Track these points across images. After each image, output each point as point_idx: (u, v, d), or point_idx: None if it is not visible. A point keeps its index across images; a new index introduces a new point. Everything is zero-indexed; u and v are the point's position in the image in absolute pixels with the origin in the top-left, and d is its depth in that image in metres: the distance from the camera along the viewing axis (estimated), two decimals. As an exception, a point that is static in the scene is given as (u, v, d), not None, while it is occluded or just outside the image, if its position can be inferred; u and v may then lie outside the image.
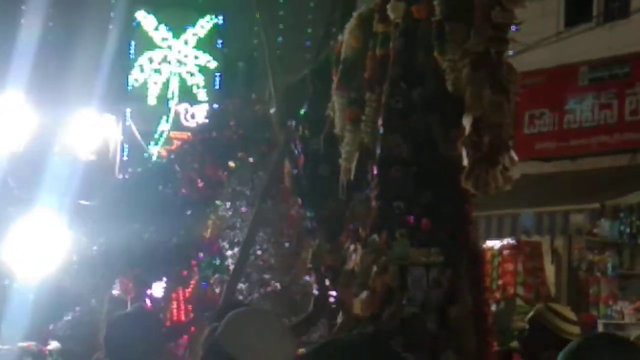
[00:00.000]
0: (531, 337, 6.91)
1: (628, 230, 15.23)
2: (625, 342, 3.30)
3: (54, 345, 10.31)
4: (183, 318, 13.39)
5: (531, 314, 7.78)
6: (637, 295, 17.55)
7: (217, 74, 23.45)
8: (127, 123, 22.46)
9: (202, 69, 22.98)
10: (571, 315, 7.01)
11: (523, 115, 16.29)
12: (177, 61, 22.84)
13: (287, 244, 11.24)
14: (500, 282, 17.45)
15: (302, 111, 8.68)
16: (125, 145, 22.02)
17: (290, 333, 4.47)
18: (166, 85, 22.81)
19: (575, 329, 6.69)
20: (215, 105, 20.30)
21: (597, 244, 17.71)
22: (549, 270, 18.07)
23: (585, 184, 16.35)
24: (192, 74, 23.12)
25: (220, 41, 23.06)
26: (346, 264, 7.63)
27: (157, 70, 22.90)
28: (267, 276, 11.81)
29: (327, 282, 8.15)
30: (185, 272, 13.10)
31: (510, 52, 6.44)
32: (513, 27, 6.37)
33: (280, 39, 18.74)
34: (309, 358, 2.24)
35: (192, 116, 21.98)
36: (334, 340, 2.23)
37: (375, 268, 6.85)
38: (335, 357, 2.13)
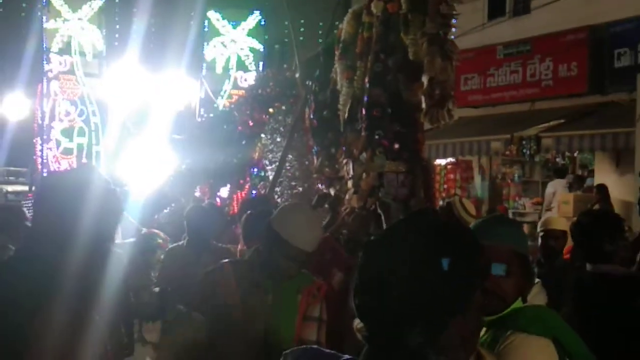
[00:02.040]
0: (440, 212, 6.95)
1: (528, 152, 15.23)
2: (507, 219, 3.32)
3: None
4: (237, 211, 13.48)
5: (449, 199, 7.83)
6: (534, 194, 17.66)
7: (261, 53, 23.34)
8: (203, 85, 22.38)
9: (251, 49, 22.82)
10: (473, 211, 7.10)
11: (460, 77, 16.22)
12: (235, 44, 22.73)
13: (306, 162, 11.23)
14: (445, 186, 17.57)
15: (316, 75, 8.66)
16: (202, 98, 21.96)
17: (320, 221, 4.50)
18: (228, 60, 22.68)
19: (472, 220, 6.70)
20: (260, 73, 20.30)
21: (510, 161, 17.79)
22: (477, 178, 18.16)
23: (501, 122, 16.34)
24: (245, 53, 23.00)
25: (263, 30, 23.00)
26: (340, 172, 7.70)
27: (222, 50, 22.80)
28: (294, 183, 11.81)
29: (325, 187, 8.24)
30: (241, 181, 13.13)
31: (453, 37, 6.39)
32: (454, 19, 6.35)
33: (302, 29, 18.60)
34: (384, 240, 1.99)
35: (245, 80, 21.83)
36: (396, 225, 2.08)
37: (363, 175, 6.88)
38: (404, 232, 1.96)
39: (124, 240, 8.20)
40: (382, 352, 1.92)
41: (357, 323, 1.98)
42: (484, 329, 2.87)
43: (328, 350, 2.13)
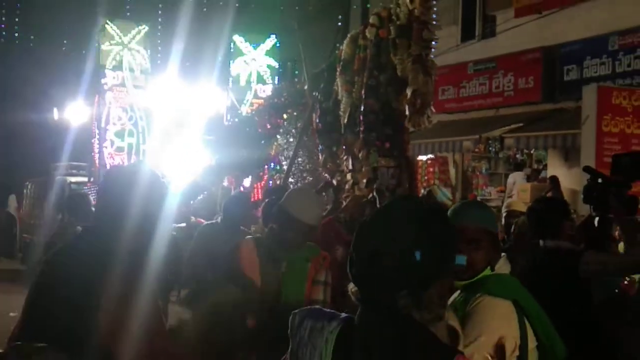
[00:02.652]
0: (424, 198, 6.94)
1: (493, 149, 15.28)
2: (480, 203, 3.36)
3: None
4: (260, 197, 13.48)
5: (429, 188, 7.84)
6: (498, 184, 17.63)
7: (276, 69, 23.24)
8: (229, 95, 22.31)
9: (269, 66, 22.74)
10: (449, 195, 7.12)
11: (438, 89, 16.19)
12: (255, 62, 22.65)
13: (315, 158, 11.24)
14: (426, 177, 17.49)
15: (321, 87, 8.64)
16: (229, 106, 21.89)
17: (320, 202, 4.58)
18: (250, 75, 22.60)
19: (449, 203, 6.70)
20: (276, 85, 20.27)
21: (479, 157, 17.75)
22: (452, 171, 18.10)
23: (471, 125, 16.31)
24: (263, 70, 22.91)
25: (278, 50, 22.88)
26: (340, 166, 7.71)
27: (245, 67, 22.70)
28: (304, 175, 11.83)
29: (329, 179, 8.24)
30: (261, 173, 13.15)
31: (432, 56, 6.39)
32: (434, 42, 6.35)
33: (309, 50, 18.56)
34: (376, 218, 2.03)
35: (264, 91, 21.74)
36: (385, 207, 2.10)
37: (362, 169, 6.90)
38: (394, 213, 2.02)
39: (176, 225, 8.21)
40: (375, 311, 1.95)
41: (352, 287, 2.00)
42: (458, 291, 2.93)
43: (328, 310, 2.14)
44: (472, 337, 2.66)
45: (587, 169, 4.91)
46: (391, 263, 1.90)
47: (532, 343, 2.79)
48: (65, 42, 30.07)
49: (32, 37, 32.56)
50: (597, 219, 4.75)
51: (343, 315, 2.06)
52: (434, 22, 6.24)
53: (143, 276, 2.63)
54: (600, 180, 4.68)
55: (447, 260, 1.98)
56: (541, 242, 4.61)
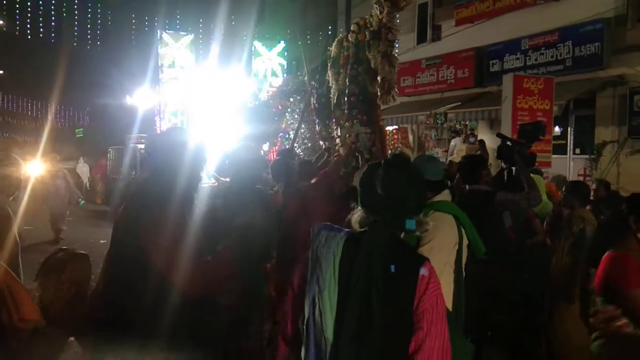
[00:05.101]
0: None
1: (440, 122, 15.22)
2: (432, 156, 3.48)
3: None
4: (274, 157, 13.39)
5: (401, 149, 7.77)
6: (443, 146, 17.55)
7: (285, 66, 22.94)
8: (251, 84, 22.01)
9: (280, 64, 22.46)
10: (409, 154, 7.10)
11: (400, 78, 16.06)
12: (270, 61, 22.36)
13: (312, 129, 11.14)
14: (392, 142, 17.43)
15: (316, 77, 8.53)
16: (251, 93, 21.67)
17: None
18: (266, 70, 22.35)
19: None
20: (285, 78, 20.02)
21: (429, 127, 17.67)
22: (411, 137, 18.06)
23: (424, 105, 16.25)
24: (276, 67, 22.58)
25: (286, 52, 22.53)
26: (332, 134, 7.65)
27: (262, 65, 22.37)
28: (305, 141, 11.74)
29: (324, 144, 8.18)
30: (275, 141, 13.08)
31: (396, 52, 6.30)
32: (396, 42, 6.25)
33: (308, 51, 18.30)
34: (367, 172, 2.09)
35: (276, 82, 21.49)
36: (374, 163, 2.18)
37: (347, 135, 6.85)
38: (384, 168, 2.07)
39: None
40: (374, 230, 2.02)
41: (356, 217, 2.07)
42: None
43: (337, 227, 2.20)
44: (428, 239, 2.89)
45: (499, 135, 4.99)
46: (388, 199, 1.99)
47: (465, 242, 3.06)
48: (134, 47, 29.83)
49: (112, 44, 32.36)
50: (506, 170, 4.83)
51: (345, 230, 2.13)
52: (397, 28, 6.13)
53: (191, 208, 2.60)
54: (508, 143, 4.76)
55: (422, 198, 2.13)
56: (467, 186, 4.69)
